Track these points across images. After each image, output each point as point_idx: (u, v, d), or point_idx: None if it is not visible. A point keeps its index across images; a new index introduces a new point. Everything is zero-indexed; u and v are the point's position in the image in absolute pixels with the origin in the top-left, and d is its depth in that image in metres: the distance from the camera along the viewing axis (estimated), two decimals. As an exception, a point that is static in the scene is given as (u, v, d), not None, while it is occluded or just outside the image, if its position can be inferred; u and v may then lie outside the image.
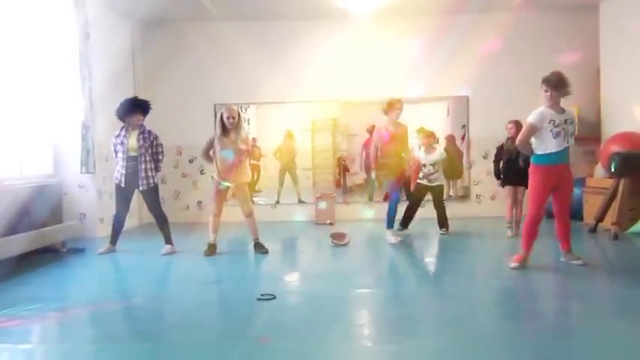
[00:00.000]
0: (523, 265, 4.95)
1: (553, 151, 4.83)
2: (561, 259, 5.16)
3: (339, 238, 6.64)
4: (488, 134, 8.93)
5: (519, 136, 5.03)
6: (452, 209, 8.81)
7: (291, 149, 10.33)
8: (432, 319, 3.78)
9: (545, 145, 4.86)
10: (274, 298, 4.19)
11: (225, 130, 5.85)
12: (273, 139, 10.13)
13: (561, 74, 4.97)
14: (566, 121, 4.87)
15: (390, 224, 6.69)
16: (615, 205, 6.76)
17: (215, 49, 9.23)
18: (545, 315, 3.76)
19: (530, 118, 4.91)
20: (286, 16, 9.07)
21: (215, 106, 9.23)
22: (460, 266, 5.56)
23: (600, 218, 7.04)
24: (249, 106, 11.49)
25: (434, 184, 7.21)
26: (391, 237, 6.62)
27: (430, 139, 7.29)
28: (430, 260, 6.10)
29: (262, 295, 4.24)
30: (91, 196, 7.52)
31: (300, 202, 10.11)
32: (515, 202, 6.91)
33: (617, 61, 8.24)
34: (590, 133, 8.60)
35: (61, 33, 7.16)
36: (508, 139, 6.88)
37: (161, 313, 3.96)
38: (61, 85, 7.21)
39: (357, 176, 12.80)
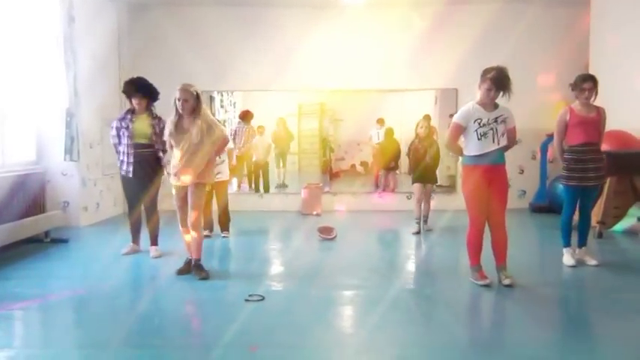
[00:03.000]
0: (488, 278, 4.42)
1: (477, 154, 4.35)
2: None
3: (326, 233, 6.63)
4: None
5: (447, 138, 4.58)
6: (438, 202, 8.88)
7: (287, 135, 10.40)
8: (423, 324, 3.78)
9: (470, 146, 4.40)
10: (263, 299, 4.17)
11: (179, 117, 4.63)
12: (259, 124, 10.09)
13: (505, 71, 4.33)
14: (496, 119, 4.33)
15: (566, 240, 5.27)
16: (600, 203, 6.81)
17: (202, 35, 9.08)
18: (528, 321, 3.79)
19: (455, 117, 4.48)
20: (275, 3, 8.95)
21: (202, 93, 9.12)
22: (449, 265, 5.59)
23: (585, 215, 7.11)
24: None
25: None
26: (568, 257, 5.17)
27: None
28: (420, 257, 6.09)
29: (251, 295, 4.22)
30: (74, 184, 7.40)
31: (284, 185, 10.15)
32: (425, 198, 6.98)
33: (606, 57, 8.24)
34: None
35: (44, 16, 6.96)
36: (419, 137, 6.89)
37: (148, 315, 3.90)
38: (44, 71, 7.04)
39: (343, 162, 12.85)
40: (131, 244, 5.75)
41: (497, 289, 4.37)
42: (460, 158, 5.62)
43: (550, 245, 6.17)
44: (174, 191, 4.82)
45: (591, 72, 8.47)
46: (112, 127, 5.61)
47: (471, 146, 4.38)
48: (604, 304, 4.20)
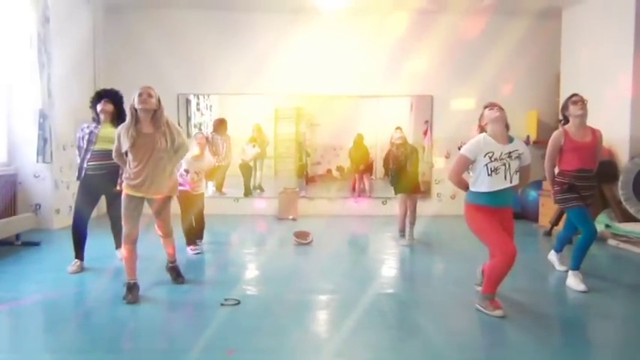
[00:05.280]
0: (502, 307, 3.95)
1: (486, 191, 3.90)
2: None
3: (302, 237, 6.65)
4: (451, 134, 9.11)
5: (451, 170, 4.11)
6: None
7: (263, 141, 10.44)
8: (398, 328, 3.82)
9: (478, 182, 3.94)
10: (239, 303, 4.18)
11: (137, 120, 4.13)
12: (235, 127, 10.07)
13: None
14: (510, 154, 3.89)
15: (576, 262, 4.79)
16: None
17: (179, 38, 9.06)
18: (503, 325, 3.86)
19: (463, 149, 4.01)
20: (252, 8, 8.98)
21: (178, 96, 9.13)
22: (424, 270, 5.67)
23: (555, 222, 7.28)
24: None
25: None
26: (577, 282, 4.71)
27: None
28: (396, 262, 6.14)
29: (226, 299, 4.22)
30: (47, 186, 7.30)
31: (260, 188, 10.16)
32: (411, 208, 6.72)
33: (576, 67, 8.47)
34: (548, 137, 8.80)
35: (18, 16, 6.87)
36: (395, 144, 6.65)
37: (122, 319, 3.87)
38: (18, 72, 6.95)
39: (320, 167, 12.88)
40: (76, 261, 5.22)
41: (472, 294, 4.43)
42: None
43: (521, 252, 6.26)
44: (126, 200, 4.24)
45: (562, 82, 8.74)
46: (77, 138, 5.26)
47: (480, 182, 3.93)
48: (572, 310, 4.35)
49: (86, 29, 8.52)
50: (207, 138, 6.35)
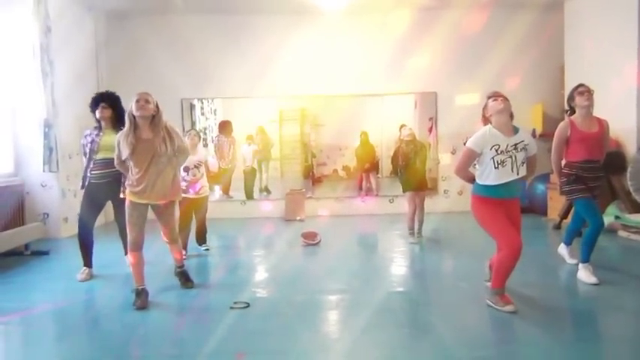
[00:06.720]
0: (513, 302, 3.92)
1: (493, 184, 3.87)
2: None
3: (310, 238, 6.64)
4: (456, 130, 9.08)
5: (457, 164, 4.08)
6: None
7: (267, 143, 10.46)
8: (408, 327, 3.80)
9: (485, 175, 3.90)
10: (248, 306, 4.17)
11: (135, 126, 4.13)
12: (240, 130, 10.08)
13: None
14: (516, 146, 3.84)
15: (585, 255, 4.75)
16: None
17: (182, 43, 9.07)
18: (514, 321, 3.83)
19: (469, 142, 3.94)
20: (255, 10, 8.97)
21: (182, 101, 9.15)
22: (434, 268, 5.64)
23: (564, 215, 7.22)
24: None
25: None
26: (587, 274, 4.69)
27: None
28: (405, 261, 6.11)
29: (235, 302, 4.21)
30: (54, 195, 7.33)
31: (267, 190, 10.18)
32: (419, 205, 6.70)
33: (580, 59, 8.40)
34: (554, 130, 8.75)
35: (20, 27, 6.90)
36: (404, 141, 6.57)
37: (131, 325, 3.87)
38: (21, 82, 6.99)
39: (325, 167, 12.87)
40: (85, 268, 5.25)
41: (482, 290, 4.40)
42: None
43: (531, 246, 6.23)
44: (130, 207, 4.25)
45: (566, 74, 8.69)
46: (81, 145, 5.27)
47: (486, 175, 3.90)
48: (584, 303, 4.30)
49: (89, 37, 8.56)
50: (199, 136, 6.29)
